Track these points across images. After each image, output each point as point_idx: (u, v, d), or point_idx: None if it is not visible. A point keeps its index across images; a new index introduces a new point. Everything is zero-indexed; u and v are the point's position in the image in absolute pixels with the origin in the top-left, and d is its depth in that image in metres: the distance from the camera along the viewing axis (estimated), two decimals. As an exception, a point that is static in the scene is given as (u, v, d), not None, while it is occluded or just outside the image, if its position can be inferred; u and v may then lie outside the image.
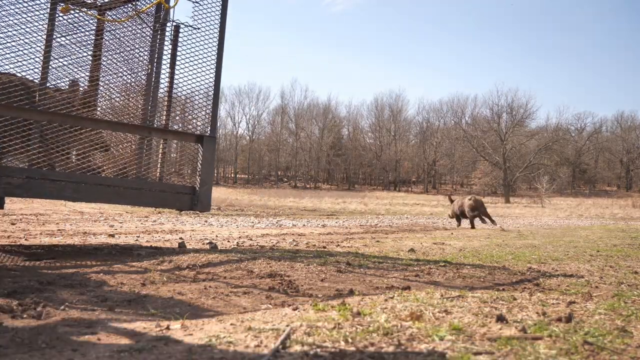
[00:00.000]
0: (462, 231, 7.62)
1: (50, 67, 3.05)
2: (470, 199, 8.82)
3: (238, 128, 60.22)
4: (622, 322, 1.42)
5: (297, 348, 1.05)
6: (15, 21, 2.81)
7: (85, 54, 3.16)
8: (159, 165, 3.32)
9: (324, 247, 4.04)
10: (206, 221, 7.97)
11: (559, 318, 1.40)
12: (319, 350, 1.03)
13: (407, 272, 2.58)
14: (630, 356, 1.08)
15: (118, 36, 3.27)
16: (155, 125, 3.29)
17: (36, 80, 2.94)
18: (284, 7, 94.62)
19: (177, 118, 3.50)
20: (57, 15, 3.02)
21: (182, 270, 2.36)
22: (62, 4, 3.07)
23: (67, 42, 3.08)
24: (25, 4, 2.84)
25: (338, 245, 4.36)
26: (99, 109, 3.18)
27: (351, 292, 1.91)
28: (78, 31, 3.10)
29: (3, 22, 2.79)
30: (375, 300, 1.66)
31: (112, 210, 9.54)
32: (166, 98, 3.29)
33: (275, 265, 2.59)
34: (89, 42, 3.20)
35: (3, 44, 2.77)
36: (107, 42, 3.25)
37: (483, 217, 8.94)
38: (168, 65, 3.30)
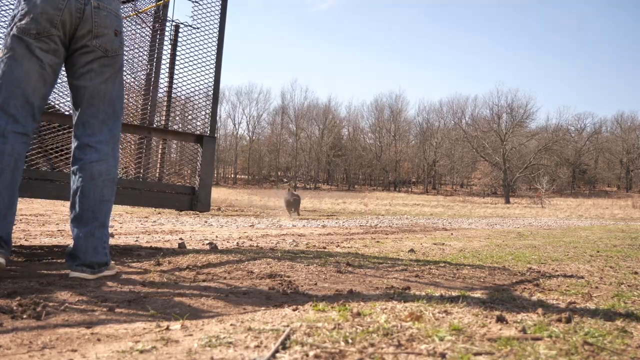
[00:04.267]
0: (462, 232, 7.62)
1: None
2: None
3: (238, 129, 60.31)
4: (622, 322, 1.42)
5: (297, 348, 1.05)
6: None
7: None
8: (158, 166, 3.32)
9: (324, 248, 4.04)
10: (206, 221, 7.97)
11: (558, 319, 1.40)
12: (319, 350, 1.03)
13: (407, 272, 2.58)
14: (630, 356, 1.08)
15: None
16: (154, 126, 3.29)
17: None
18: (283, 6, 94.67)
19: (177, 118, 3.50)
20: None
21: (182, 270, 2.36)
22: None
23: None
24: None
25: (338, 245, 4.36)
26: None
27: (351, 293, 1.91)
28: None
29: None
30: (375, 301, 1.66)
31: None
32: (166, 98, 3.29)
33: (275, 265, 2.59)
34: None
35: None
36: None
37: None
38: (167, 64, 3.31)
